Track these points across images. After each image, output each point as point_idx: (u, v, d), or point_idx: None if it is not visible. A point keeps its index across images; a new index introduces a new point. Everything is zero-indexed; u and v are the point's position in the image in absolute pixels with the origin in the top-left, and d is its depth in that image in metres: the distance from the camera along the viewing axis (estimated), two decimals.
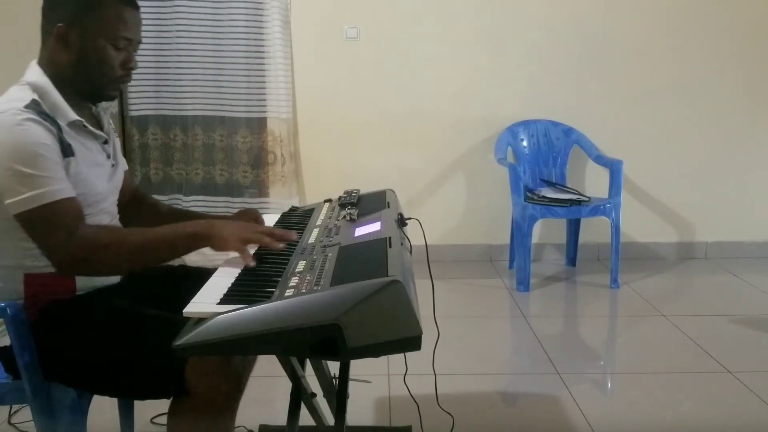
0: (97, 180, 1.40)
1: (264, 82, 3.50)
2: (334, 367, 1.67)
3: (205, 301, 1.13)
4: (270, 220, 1.69)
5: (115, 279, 1.48)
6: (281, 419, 1.67)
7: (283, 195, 3.58)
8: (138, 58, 1.46)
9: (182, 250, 1.32)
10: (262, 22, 3.45)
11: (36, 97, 1.31)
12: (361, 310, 1.01)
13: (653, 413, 2.11)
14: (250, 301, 1.08)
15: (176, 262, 1.45)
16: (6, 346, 1.32)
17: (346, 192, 1.74)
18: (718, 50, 3.63)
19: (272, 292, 1.14)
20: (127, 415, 1.79)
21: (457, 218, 3.77)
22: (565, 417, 2.08)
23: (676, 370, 2.40)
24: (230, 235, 1.30)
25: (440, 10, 3.56)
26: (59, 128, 1.30)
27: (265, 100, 3.52)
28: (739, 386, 2.27)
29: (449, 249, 3.71)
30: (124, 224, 1.55)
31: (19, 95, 1.30)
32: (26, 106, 1.27)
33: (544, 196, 3.27)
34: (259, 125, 3.55)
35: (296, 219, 1.69)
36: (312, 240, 1.43)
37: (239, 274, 1.26)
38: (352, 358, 1.27)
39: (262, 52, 3.47)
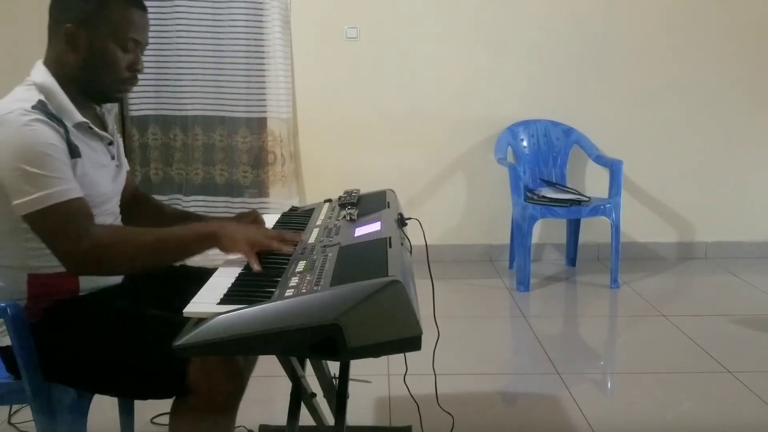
0: (102, 181, 1.40)
1: (264, 82, 3.50)
2: (334, 367, 1.67)
3: (205, 301, 1.13)
4: (270, 220, 1.70)
5: (118, 279, 1.48)
6: (281, 419, 1.67)
7: (283, 195, 3.58)
8: None
9: (193, 251, 1.33)
10: (262, 22, 3.45)
11: (42, 97, 1.30)
12: (361, 310, 1.01)
13: (653, 413, 2.11)
14: (250, 301, 1.08)
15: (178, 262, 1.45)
16: (8, 346, 1.32)
17: (346, 192, 1.74)
18: (718, 50, 3.63)
19: (272, 292, 1.14)
20: (127, 415, 1.79)
21: (457, 218, 3.77)
22: (565, 417, 2.08)
23: (676, 370, 2.40)
24: (241, 238, 1.31)
25: (440, 10, 3.56)
26: (66, 129, 1.30)
27: (265, 100, 3.52)
28: (739, 386, 2.27)
29: (449, 249, 3.71)
30: (125, 224, 1.55)
31: (26, 95, 1.30)
32: (33, 107, 1.26)
33: (544, 196, 3.27)
34: (259, 125, 3.55)
35: (296, 219, 1.69)
36: (312, 240, 1.44)
37: (239, 274, 1.26)
38: (352, 358, 1.27)
39: (262, 52, 3.47)
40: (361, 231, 1.39)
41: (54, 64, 1.36)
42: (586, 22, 3.58)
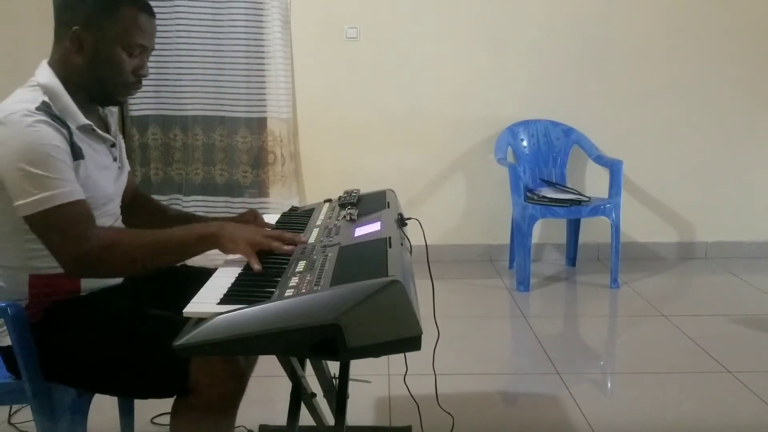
0: (104, 183, 1.40)
1: (264, 82, 3.50)
2: (334, 367, 1.67)
3: (206, 301, 1.13)
4: (270, 220, 1.70)
5: (119, 279, 1.48)
6: (281, 419, 1.67)
7: (283, 195, 3.58)
8: None
9: (193, 252, 1.33)
10: (262, 22, 3.45)
11: (47, 99, 1.30)
12: (361, 310, 1.01)
13: (653, 413, 2.11)
14: (250, 301, 1.08)
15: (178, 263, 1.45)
16: (8, 346, 1.32)
17: (346, 192, 1.74)
18: (718, 50, 3.63)
19: (272, 292, 1.14)
20: (127, 415, 1.79)
21: (457, 218, 3.77)
22: (565, 417, 2.08)
23: (676, 370, 2.40)
24: (241, 238, 1.31)
25: (440, 10, 3.56)
26: (69, 131, 1.30)
27: (265, 100, 3.52)
28: (739, 386, 2.27)
29: (449, 249, 3.71)
30: (125, 225, 1.55)
31: (30, 96, 1.30)
32: (37, 108, 1.26)
33: (544, 196, 3.27)
34: (259, 125, 3.55)
35: (296, 219, 1.69)
36: (312, 240, 1.44)
37: (239, 274, 1.26)
38: (352, 358, 1.27)
39: (262, 52, 3.47)
40: (361, 231, 1.39)
41: (59, 65, 1.36)
42: (586, 22, 3.58)
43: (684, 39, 3.62)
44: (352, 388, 1.61)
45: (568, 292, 3.39)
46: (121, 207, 1.55)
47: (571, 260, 3.70)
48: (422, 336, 1.03)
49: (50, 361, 1.33)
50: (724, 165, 3.74)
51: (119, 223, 1.52)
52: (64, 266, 1.26)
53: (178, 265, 1.59)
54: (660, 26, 3.60)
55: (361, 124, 3.65)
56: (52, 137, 1.24)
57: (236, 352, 1.20)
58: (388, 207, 1.55)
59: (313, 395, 1.63)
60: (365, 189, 1.80)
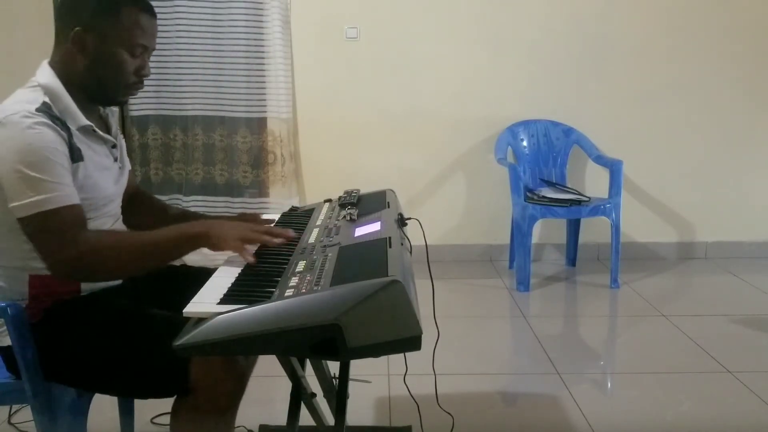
0: (105, 184, 1.40)
1: (264, 82, 3.50)
2: (334, 367, 1.67)
3: (205, 301, 1.13)
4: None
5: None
6: (281, 419, 1.67)
7: (283, 195, 3.58)
8: None
9: (182, 251, 1.32)
10: (262, 22, 3.45)
11: (47, 99, 1.30)
12: (361, 310, 1.01)
13: (653, 413, 2.11)
14: (250, 301, 1.08)
15: (178, 261, 1.45)
16: (8, 346, 1.32)
17: (346, 192, 1.74)
18: (718, 50, 3.63)
19: (272, 292, 1.14)
20: (127, 415, 1.79)
21: (457, 218, 3.77)
22: (565, 417, 2.08)
23: (676, 370, 2.40)
24: (229, 234, 1.31)
25: (440, 10, 3.56)
26: (70, 133, 1.30)
27: (265, 100, 3.52)
28: (739, 386, 2.27)
29: (449, 249, 3.71)
30: (125, 224, 1.55)
31: (30, 96, 1.30)
32: (37, 109, 1.26)
33: (544, 196, 3.27)
34: (259, 125, 3.54)
35: (296, 219, 1.69)
36: (312, 240, 1.43)
37: (239, 274, 1.26)
38: (352, 358, 1.27)
39: (262, 52, 3.47)
40: (361, 231, 1.39)
41: (60, 66, 1.36)
42: (586, 22, 3.58)
43: (684, 39, 3.62)
44: (352, 388, 1.61)
45: (568, 292, 3.39)
46: (122, 206, 1.55)
47: (571, 260, 3.70)
48: (422, 336, 1.03)
49: (50, 361, 1.33)
50: (724, 165, 3.74)
51: (119, 224, 1.52)
52: (50, 269, 1.26)
53: (178, 265, 1.60)
54: (660, 26, 3.60)
55: (361, 124, 3.65)
56: (51, 140, 1.24)
57: (236, 352, 1.20)
58: (388, 207, 1.55)
59: (313, 395, 1.63)
60: (365, 189, 1.80)
